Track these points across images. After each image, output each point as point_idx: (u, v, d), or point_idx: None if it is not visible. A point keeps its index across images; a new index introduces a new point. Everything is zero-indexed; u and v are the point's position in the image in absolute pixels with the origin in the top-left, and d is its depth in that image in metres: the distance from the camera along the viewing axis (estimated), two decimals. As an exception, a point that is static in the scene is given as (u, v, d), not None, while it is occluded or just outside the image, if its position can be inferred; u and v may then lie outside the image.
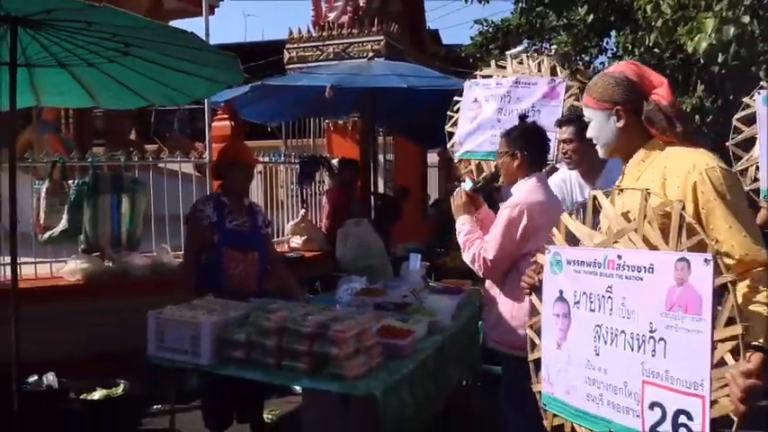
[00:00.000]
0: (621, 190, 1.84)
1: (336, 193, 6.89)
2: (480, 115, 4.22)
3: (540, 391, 1.94)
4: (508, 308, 2.89)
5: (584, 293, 1.75)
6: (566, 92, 4.03)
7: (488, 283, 3.06)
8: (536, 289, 1.97)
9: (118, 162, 5.06)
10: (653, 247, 1.62)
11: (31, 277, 4.73)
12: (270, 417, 4.23)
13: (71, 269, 4.70)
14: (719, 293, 1.46)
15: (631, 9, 8.31)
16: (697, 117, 8.53)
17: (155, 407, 4.36)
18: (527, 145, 2.91)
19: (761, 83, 3.92)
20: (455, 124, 4.33)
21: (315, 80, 5.97)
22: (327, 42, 8.63)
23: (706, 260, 1.45)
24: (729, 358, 1.45)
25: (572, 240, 1.90)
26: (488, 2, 11.82)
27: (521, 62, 4.39)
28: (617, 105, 1.90)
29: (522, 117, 3.15)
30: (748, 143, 3.90)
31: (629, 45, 8.82)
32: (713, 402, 1.44)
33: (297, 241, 6.64)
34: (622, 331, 1.63)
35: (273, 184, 6.84)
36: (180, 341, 2.80)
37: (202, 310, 2.93)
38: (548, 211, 2.76)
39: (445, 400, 3.57)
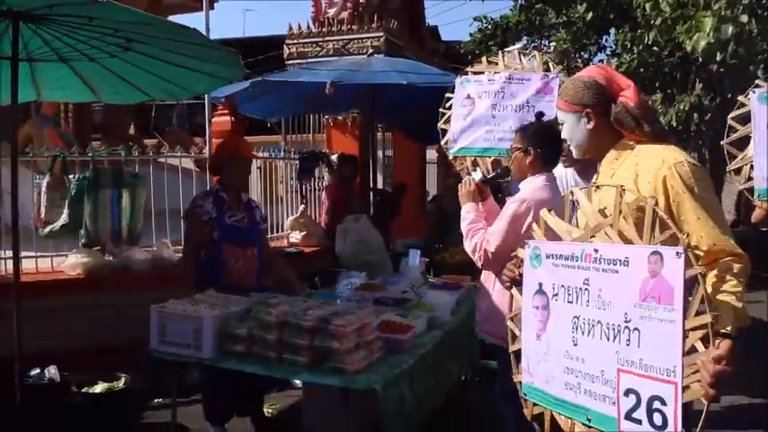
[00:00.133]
0: (598, 187, 1.92)
1: (336, 188, 6.91)
2: (474, 112, 4.19)
3: (520, 382, 2.01)
4: (502, 300, 2.91)
5: (563, 286, 1.82)
6: (559, 87, 4.05)
7: (484, 275, 3.08)
8: (516, 282, 2.05)
9: (118, 157, 5.07)
10: (628, 242, 1.69)
11: (32, 271, 4.75)
12: (270, 411, 4.26)
13: (72, 263, 4.71)
14: (690, 284, 1.53)
15: (630, 7, 8.33)
16: (695, 115, 8.56)
17: (156, 400, 4.38)
18: (541, 143, 2.93)
19: (756, 81, 3.91)
20: (448, 121, 4.31)
21: (315, 76, 5.98)
22: (327, 38, 8.62)
23: (678, 253, 1.52)
24: (700, 346, 1.52)
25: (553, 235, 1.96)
26: (487, -3, 11.90)
27: (512, 58, 4.37)
28: (587, 108, 2.00)
29: (539, 115, 3.19)
30: (744, 142, 3.91)
31: (627, 43, 8.84)
32: (685, 388, 1.52)
33: (296, 236, 6.66)
34: (599, 322, 1.70)
35: (273, 179, 6.85)
36: (182, 335, 2.83)
37: (204, 305, 2.96)
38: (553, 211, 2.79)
39: (444, 395, 3.60)
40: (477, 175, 3.12)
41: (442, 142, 4.33)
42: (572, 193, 1.92)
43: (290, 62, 8.81)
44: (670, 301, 1.53)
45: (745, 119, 3.87)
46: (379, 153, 8.90)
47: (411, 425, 2.97)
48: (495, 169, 3.83)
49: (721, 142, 4.04)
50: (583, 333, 1.75)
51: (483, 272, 3.08)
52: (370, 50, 8.07)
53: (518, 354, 2.02)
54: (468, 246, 2.94)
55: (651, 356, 1.57)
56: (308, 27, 8.90)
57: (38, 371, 3.90)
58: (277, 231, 6.80)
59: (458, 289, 4.08)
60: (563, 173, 3.57)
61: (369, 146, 7.26)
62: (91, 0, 2.80)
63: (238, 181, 3.82)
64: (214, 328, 2.80)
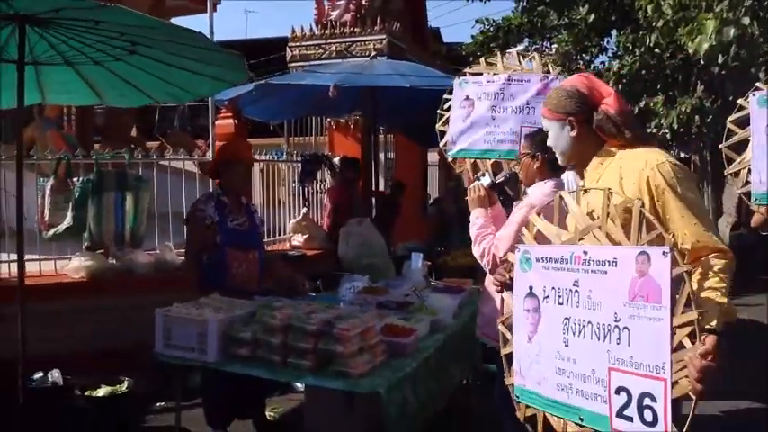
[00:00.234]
0: (586, 190, 1.97)
1: (338, 191, 6.91)
2: (473, 113, 4.14)
3: (512, 384, 2.04)
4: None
5: (553, 288, 1.85)
6: None
7: (487, 279, 3.09)
8: (507, 287, 2.08)
9: (122, 159, 5.08)
10: (616, 243, 1.73)
11: (35, 274, 4.75)
12: (272, 414, 4.26)
13: (75, 266, 4.72)
14: (677, 282, 1.57)
15: (632, 9, 8.32)
16: (697, 117, 8.55)
17: (158, 404, 4.39)
18: (549, 148, 2.95)
19: (756, 84, 3.89)
20: (446, 123, 4.28)
21: (318, 79, 5.99)
22: (330, 41, 8.64)
23: (664, 253, 1.58)
24: (687, 342, 1.56)
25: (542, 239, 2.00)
26: (489, 0, 11.87)
27: (511, 59, 4.34)
28: (570, 116, 2.07)
29: None
30: (743, 146, 3.88)
31: (629, 45, 8.83)
32: (674, 384, 1.56)
33: (298, 239, 6.67)
34: (589, 322, 1.74)
35: (275, 182, 6.86)
36: (187, 338, 2.83)
37: (209, 308, 2.97)
38: None
39: (446, 399, 3.61)
40: (486, 181, 3.14)
41: (441, 144, 4.29)
42: (561, 197, 1.95)
43: (293, 64, 8.84)
44: (658, 300, 1.57)
45: (744, 122, 3.85)
46: (381, 156, 8.90)
47: (414, 428, 2.97)
48: (495, 171, 3.84)
49: (720, 146, 4.03)
50: (574, 334, 1.78)
51: (486, 276, 3.09)
52: (373, 53, 8.09)
53: (510, 357, 2.05)
54: (476, 251, 2.96)
55: (641, 354, 1.61)
56: (311, 29, 8.92)
57: (41, 374, 3.90)
58: (279, 234, 6.81)
59: (460, 292, 4.09)
60: (565, 175, 3.57)
61: (371, 148, 7.27)
62: (98, 5, 2.81)
63: (239, 184, 3.83)
64: (219, 332, 2.81)
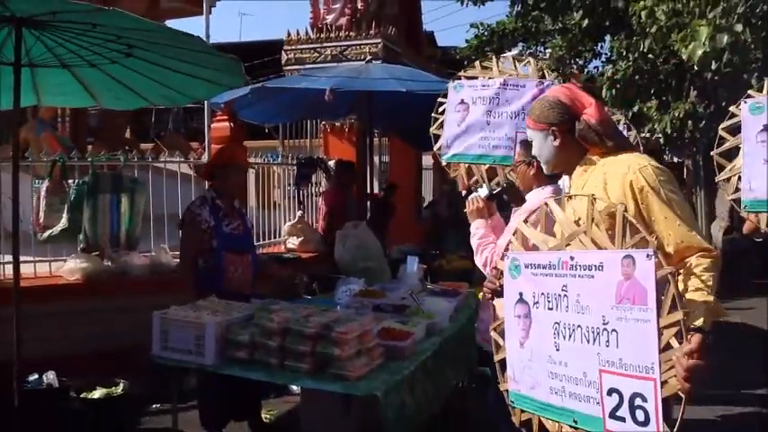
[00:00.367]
0: (571, 197, 2.01)
1: (333, 194, 6.91)
2: (468, 117, 4.11)
3: (507, 390, 2.06)
4: None
5: (543, 294, 1.88)
6: None
7: None
8: (497, 294, 2.11)
9: (117, 162, 5.08)
10: (601, 248, 1.76)
11: (30, 276, 4.73)
12: (268, 416, 4.26)
13: (70, 268, 4.70)
14: (663, 284, 1.60)
15: (626, 15, 8.39)
16: (690, 122, 8.62)
17: (154, 406, 4.38)
18: None
19: (748, 91, 3.92)
20: (441, 126, 4.27)
21: (315, 83, 6.00)
22: (325, 44, 8.65)
23: (648, 255, 1.61)
24: (674, 342, 1.59)
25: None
26: (483, 4, 11.92)
27: (507, 63, 4.33)
28: (552, 126, 2.13)
29: None
30: (734, 152, 3.91)
31: (623, 50, 8.90)
32: (663, 383, 1.59)
33: (293, 242, 6.67)
34: (579, 326, 1.77)
35: (269, 184, 6.86)
36: (184, 341, 2.84)
37: (206, 311, 2.97)
38: None
39: (443, 402, 3.62)
40: (484, 192, 3.18)
41: (435, 148, 4.28)
42: (546, 204, 1.99)
43: (288, 68, 8.84)
44: (644, 302, 1.61)
45: (736, 129, 3.87)
46: (376, 159, 8.91)
47: (411, 431, 2.98)
48: (489, 177, 3.86)
49: (712, 153, 4.05)
50: (564, 338, 1.81)
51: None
52: (368, 57, 8.10)
53: (503, 363, 2.07)
54: (479, 260, 3.00)
55: (630, 355, 1.64)
56: (306, 33, 8.92)
57: (36, 376, 3.89)
58: (274, 237, 6.81)
59: (456, 296, 4.10)
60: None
61: (366, 152, 7.28)
62: (95, 8, 2.82)
63: (235, 189, 3.86)
64: (216, 335, 2.81)
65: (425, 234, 10.38)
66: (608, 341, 1.68)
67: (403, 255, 5.73)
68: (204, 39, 4.60)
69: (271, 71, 9.65)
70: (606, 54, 11.12)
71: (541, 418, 1.93)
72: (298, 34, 8.92)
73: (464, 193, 4.44)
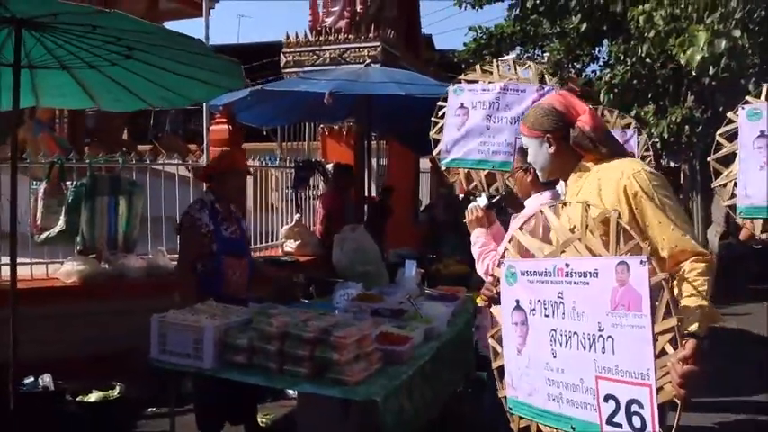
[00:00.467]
0: (565, 204, 2.03)
1: (331, 198, 6.90)
2: (468, 122, 4.08)
3: (505, 396, 2.06)
4: None
5: (539, 301, 1.89)
6: None
7: None
8: (494, 301, 2.12)
9: (116, 164, 5.06)
10: (596, 255, 1.77)
11: (27, 278, 4.71)
12: (264, 420, 4.24)
13: (67, 270, 4.68)
14: (658, 289, 1.61)
15: (624, 19, 8.41)
16: (687, 127, 8.65)
17: (150, 409, 4.36)
18: None
19: (745, 96, 3.93)
20: (440, 131, 4.25)
21: (314, 86, 5.98)
22: (324, 47, 8.64)
23: (642, 262, 1.62)
24: (669, 348, 1.60)
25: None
26: (482, 7, 11.95)
27: (507, 67, 4.31)
28: (547, 133, 2.14)
29: None
30: (731, 158, 3.90)
31: (621, 55, 8.93)
32: (659, 389, 1.60)
33: (291, 245, 6.65)
34: (575, 333, 1.77)
35: (267, 187, 6.85)
36: (183, 345, 2.82)
37: (205, 315, 2.96)
38: None
39: (441, 406, 3.61)
40: (483, 201, 3.18)
41: (435, 152, 4.27)
42: (541, 211, 2.00)
43: (287, 70, 8.83)
44: (638, 308, 1.61)
45: (733, 136, 3.86)
46: (373, 162, 8.91)
47: (410, 436, 2.98)
48: (488, 182, 3.86)
49: (708, 158, 4.05)
50: (561, 345, 1.82)
51: None
52: (367, 60, 8.09)
53: (501, 370, 2.08)
54: (480, 268, 3.01)
55: (625, 362, 1.65)
56: (305, 36, 8.92)
57: (32, 379, 3.87)
58: (271, 240, 6.80)
59: (454, 300, 4.10)
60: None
61: (364, 155, 7.27)
62: (96, 10, 2.81)
63: (234, 194, 3.86)
64: (215, 339, 2.80)
65: (422, 237, 10.37)
66: (604, 348, 1.69)
67: (400, 258, 5.72)
68: (203, 40, 4.61)
69: (269, 73, 9.63)
70: (604, 58, 11.15)
71: (539, 425, 1.94)
72: (297, 37, 8.92)
73: (462, 197, 4.44)
